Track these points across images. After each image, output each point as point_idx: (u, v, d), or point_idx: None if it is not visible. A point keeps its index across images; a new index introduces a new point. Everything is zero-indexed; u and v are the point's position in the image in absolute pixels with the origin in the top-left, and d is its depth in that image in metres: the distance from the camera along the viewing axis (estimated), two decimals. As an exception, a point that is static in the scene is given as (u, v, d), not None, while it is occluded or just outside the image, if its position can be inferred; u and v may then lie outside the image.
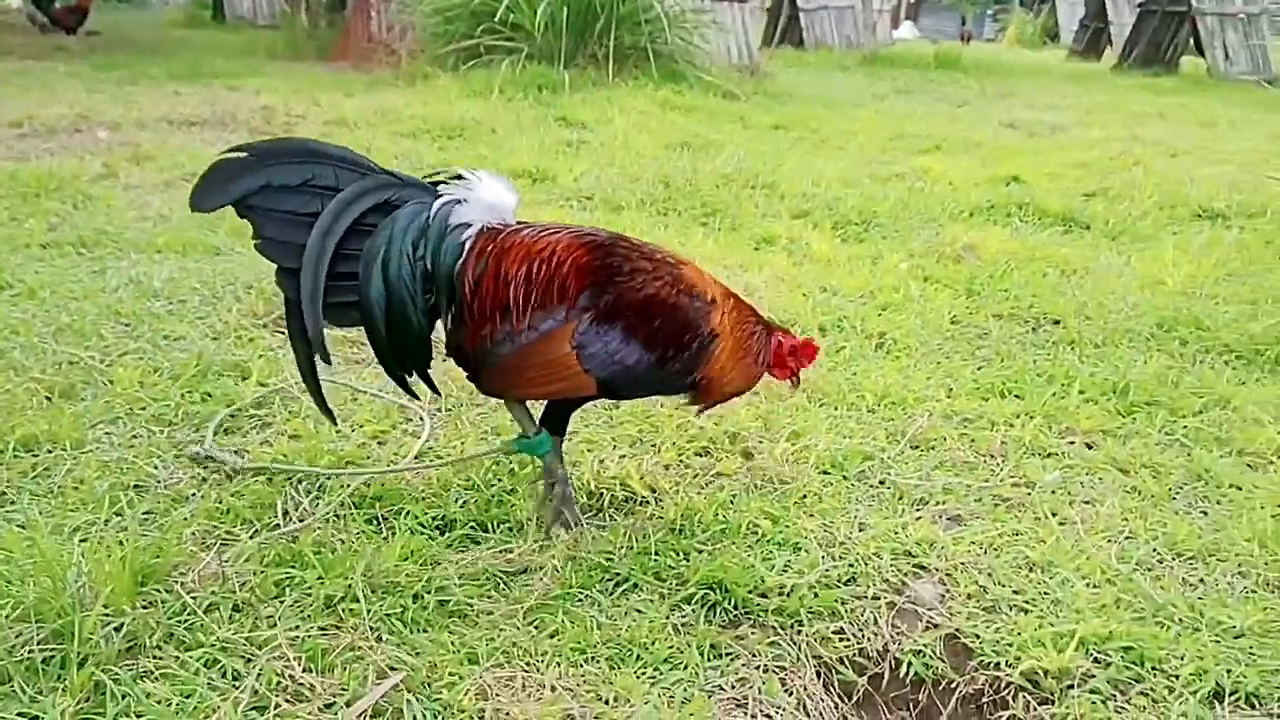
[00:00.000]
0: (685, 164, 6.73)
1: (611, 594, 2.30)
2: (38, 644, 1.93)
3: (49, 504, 2.49)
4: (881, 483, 2.83)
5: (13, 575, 2.10)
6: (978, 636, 2.23)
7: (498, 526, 2.54)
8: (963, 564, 2.45)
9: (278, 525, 2.47)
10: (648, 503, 2.68)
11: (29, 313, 3.76)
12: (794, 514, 2.62)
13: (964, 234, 5.24)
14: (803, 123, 9.22)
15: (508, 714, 1.91)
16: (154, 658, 1.95)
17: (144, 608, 2.07)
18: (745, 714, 1.99)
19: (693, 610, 2.25)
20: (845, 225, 5.67)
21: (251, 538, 2.38)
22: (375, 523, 2.52)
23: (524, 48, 9.90)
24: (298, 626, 2.09)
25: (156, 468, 2.69)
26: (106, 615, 1.99)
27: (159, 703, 1.83)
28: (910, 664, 2.19)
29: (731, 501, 2.68)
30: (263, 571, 2.25)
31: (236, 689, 1.89)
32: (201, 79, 10.96)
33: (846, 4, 19.56)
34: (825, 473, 2.86)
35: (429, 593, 2.24)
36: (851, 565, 2.42)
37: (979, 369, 3.64)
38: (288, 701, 1.88)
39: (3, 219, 5.39)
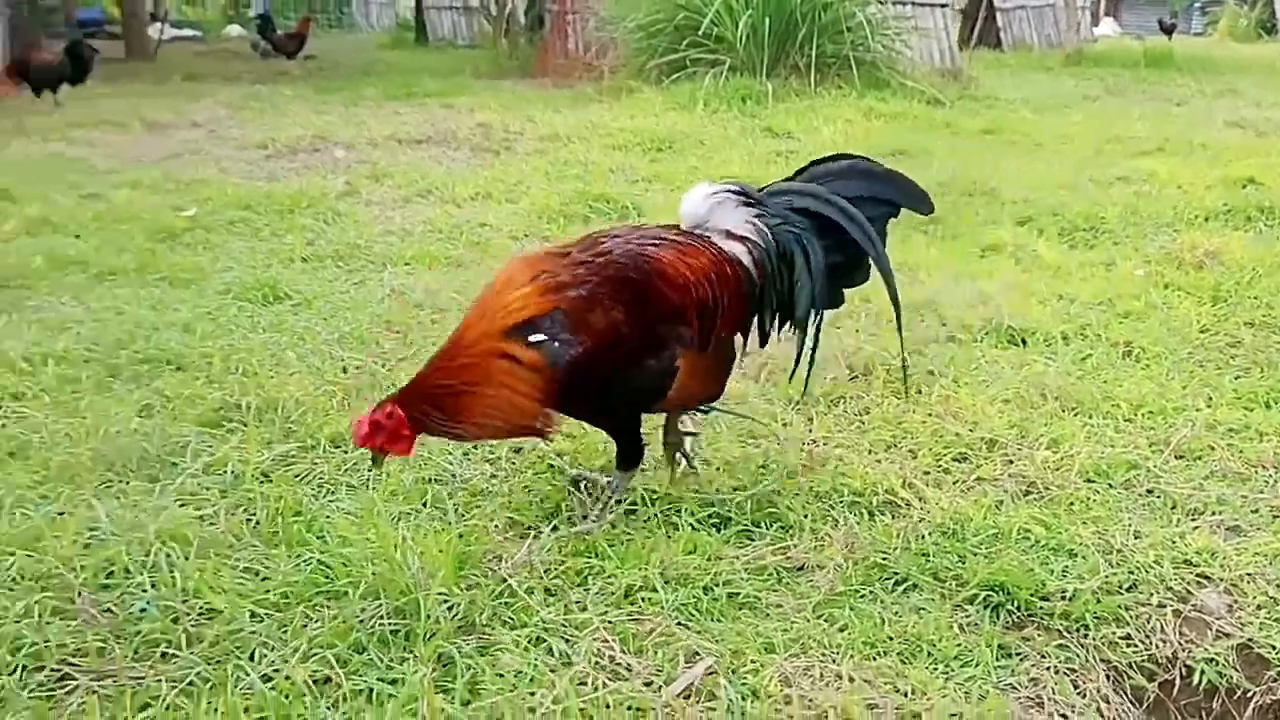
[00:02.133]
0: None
1: (892, 592, 2.39)
2: (386, 618, 2.14)
3: (365, 495, 2.73)
4: (1150, 492, 2.83)
5: (354, 557, 2.34)
6: (1273, 647, 2.22)
7: (770, 525, 2.66)
8: (1249, 575, 2.43)
9: (570, 519, 2.65)
10: (912, 506, 2.75)
11: (311, 321, 4.09)
12: (1065, 521, 2.65)
13: (1203, 239, 5.09)
14: (1013, 127, 9.07)
15: (811, 701, 2.02)
16: (485, 635, 2.15)
17: (469, 589, 2.27)
18: (1043, 713, 2.05)
19: (976, 611, 2.32)
20: (1072, 231, 5.59)
21: (552, 530, 2.56)
22: (656, 519, 2.66)
23: (726, 60, 10.05)
24: (605, 612, 2.25)
25: (451, 463, 2.91)
26: (442, 595, 2.20)
27: (500, 675, 2.02)
28: (1202, 672, 2.21)
29: (999, 506, 2.73)
30: (565, 561, 2.43)
31: (564, 665, 2.06)
32: (416, 98, 11.53)
33: (1046, 2, 19.06)
34: (1090, 480, 2.88)
35: (718, 585, 2.37)
36: (1131, 572, 2.44)
37: (1237, 378, 3.57)
38: (609, 679, 2.04)
39: (265, 234, 5.84)
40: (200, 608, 2.25)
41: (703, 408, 2.82)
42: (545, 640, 2.13)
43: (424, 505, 2.67)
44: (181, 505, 2.64)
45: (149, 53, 17.78)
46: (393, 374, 3.58)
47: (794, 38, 10.06)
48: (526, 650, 2.09)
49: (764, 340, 2.73)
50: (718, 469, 2.91)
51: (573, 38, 14.76)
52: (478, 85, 12.81)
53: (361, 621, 2.15)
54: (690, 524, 2.62)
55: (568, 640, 2.14)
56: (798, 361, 2.75)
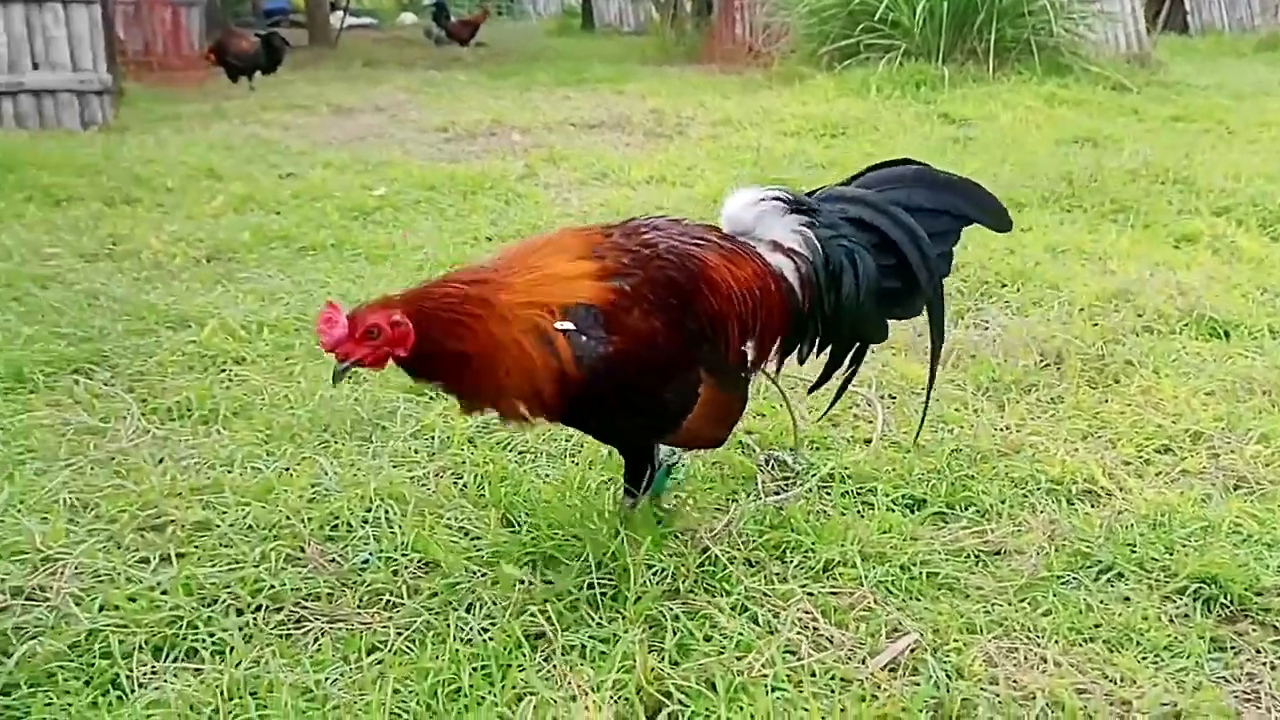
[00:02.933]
0: (1086, 159, 6.54)
1: (1096, 580, 2.35)
2: (600, 585, 2.22)
3: (565, 463, 2.83)
4: (1371, 490, 2.71)
5: (561, 521, 2.43)
6: None
7: (965, 508, 2.64)
8: None
9: (760, 494, 2.69)
10: (1113, 495, 2.70)
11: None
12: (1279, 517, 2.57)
13: None
14: (1206, 114, 8.69)
15: (1016, 681, 2.02)
16: (690, 600, 2.21)
17: (672, 556, 2.34)
18: (1259, 708, 2.00)
19: (1186, 603, 2.26)
20: (1275, 223, 5.34)
21: (753, 501, 2.61)
22: (849, 497, 2.68)
23: (901, 45, 9.90)
24: (806, 584, 2.29)
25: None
26: (648, 561, 2.27)
27: (705, 639, 2.08)
28: None
29: (1207, 499, 2.66)
30: (763, 533, 2.47)
31: (770, 633, 2.10)
32: (586, 84, 11.71)
33: (1238, -15, 18.14)
34: (1305, 478, 2.77)
35: (915, 564, 2.38)
36: (1356, 574, 2.35)
37: None
38: (814, 649, 2.07)
39: (450, 214, 6.05)
40: (419, 561, 2.37)
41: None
42: (750, 609, 2.18)
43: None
44: (395, 466, 2.79)
45: (331, 40, 18.50)
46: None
47: (972, 22, 9.83)
48: (732, 617, 2.14)
49: (801, 361, 2.45)
50: (908, 452, 2.90)
51: (740, 24, 14.74)
52: (645, 71, 12.93)
53: (576, 583, 2.23)
54: (885, 505, 2.64)
55: (773, 610, 2.18)
56: (814, 388, 2.53)
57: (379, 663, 2.03)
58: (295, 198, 6.18)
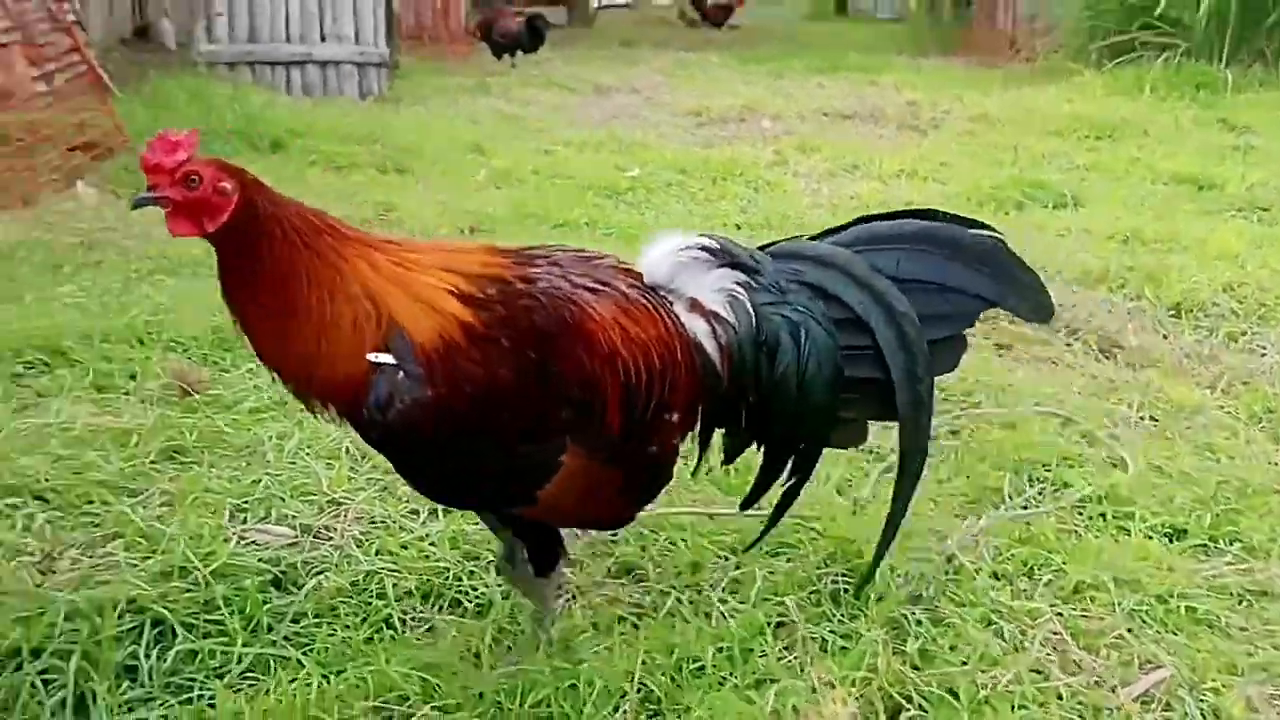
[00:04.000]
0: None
1: (1376, 634, 2.21)
2: (841, 580, 2.25)
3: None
4: None
5: (806, 517, 2.46)
6: None
7: (1230, 543, 2.52)
8: None
9: (1006, 507, 2.64)
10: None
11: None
12: None
13: None
14: None
15: (1280, 731, 1.92)
16: (933, 608, 2.20)
17: (915, 561, 2.33)
18: None
19: None
20: None
21: (1001, 513, 2.57)
22: (1105, 520, 2.60)
23: (1181, 44, 9.34)
24: (1055, 604, 2.24)
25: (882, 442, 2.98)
26: (890, 563, 2.27)
27: (949, 648, 2.07)
28: None
29: None
30: (1011, 548, 2.43)
31: (1017, 650, 2.08)
32: (839, 71, 11.58)
33: None
34: None
35: (1172, 596, 2.29)
36: None
37: None
38: (1062, 672, 2.04)
39: (700, 199, 6.14)
40: (667, 540, 2.45)
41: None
42: (996, 623, 2.16)
43: (864, 475, 2.75)
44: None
45: (588, 20, 18.97)
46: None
47: (1263, 21, 9.18)
48: (978, 629, 2.13)
49: (730, 455, 2.04)
50: (1172, 477, 2.78)
51: (1002, 15, 14.23)
52: (900, 61, 12.67)
53: (819, 581, 2.26)
54: (1143, 531, 2.54)
55: (1020, 627, 2.15)
56: (750, 499, 2.10)
57: (624, 633, 2.12)
58: (552, 175, 6.41)
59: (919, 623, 2.13)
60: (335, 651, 2.03)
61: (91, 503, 2.43)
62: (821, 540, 2.38)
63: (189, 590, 2.10)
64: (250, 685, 1.94)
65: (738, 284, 1.89)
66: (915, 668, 2.02)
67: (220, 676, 1.95)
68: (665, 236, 1.93)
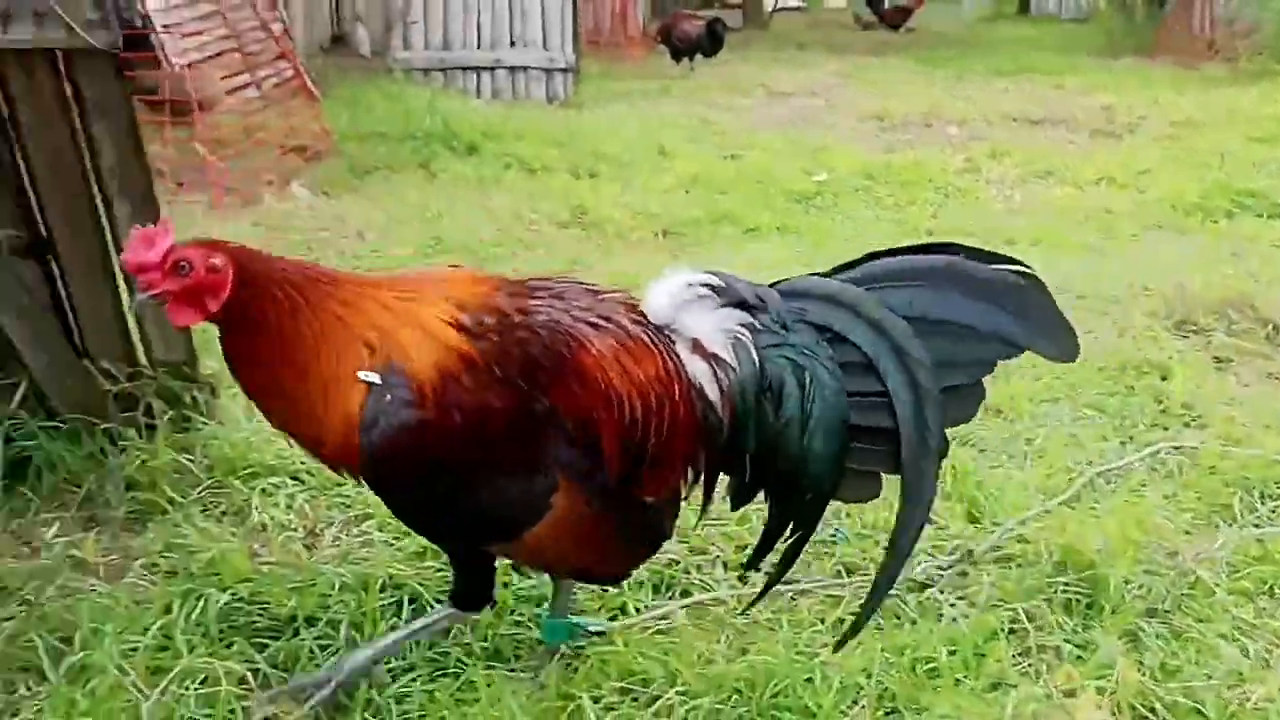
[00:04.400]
0: None
1: None
2: (1071, 590, 2.23)
3: (1031, 465, 2.83)
4: None
5: (1036, 528, 2.45)
6: None
7: None
8: None
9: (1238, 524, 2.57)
10: None
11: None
12: None
13: None
14: None
15: None
16: (1169, 620, 2.17)
17: (1148, 573, 2.30)
18: None
19: None
20: None
21: (1235, 530, 2.51)
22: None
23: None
24: (1296, 625, 2.18)
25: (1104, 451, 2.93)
26: (1125, 578, 2.24)
27: (1192, 662, 2.04)
28: None
29: None
30: (1249, 565, 2.37)
31: (1265, 668, 2.03)
32: (1024, 74, 11.29)
33: None
34: None
35: None
36: None
37: None
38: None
39: (887, 204, 6.13)
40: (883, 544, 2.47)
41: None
42: (1239, 639, 2.11)
43: (1087, 487, 2.72)
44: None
45: (763, 22, 18.96)
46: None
47: None
48: (1219, 644, 2.08)
49: (736, 502, 1.91)
50: None
51: (1199, 15, 13.64)
52: (1089, 63, 12.27)
53: (1051, 588, 2.25)
54: (1387, 552, 2.44)
55: (1268, 645, 2.10)
56: (759, 553, 1.94)
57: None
58: (739, 178, 6.46)
59: (1157, 636, 2.10)
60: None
61: (343, 484, 2.58)
62: (1049, 549, 2.36)
63: (440, 570, 2.22)
64: (499, 666, 2.04)
65: (741, 325, 1.79)
66: (1156, 680, 1.99)
67: (469, 655, 2.06)
68: (672, 273, 1.84)
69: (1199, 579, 2.28)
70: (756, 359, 1.77)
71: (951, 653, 2.06)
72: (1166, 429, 3.12)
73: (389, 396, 1.63)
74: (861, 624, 1.87)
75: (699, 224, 5.54)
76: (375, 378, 1.64)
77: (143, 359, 2.86)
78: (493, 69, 9.27)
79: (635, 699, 1.94)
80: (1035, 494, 2.65)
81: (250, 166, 6.12)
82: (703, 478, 1.87)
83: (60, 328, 2.77)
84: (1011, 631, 2.15)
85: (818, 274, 1.85)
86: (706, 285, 1.80)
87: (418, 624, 1.97)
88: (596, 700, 1.93)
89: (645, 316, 1.82)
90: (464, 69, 9.22)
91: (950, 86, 10.60)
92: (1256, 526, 2.58)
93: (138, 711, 1.87)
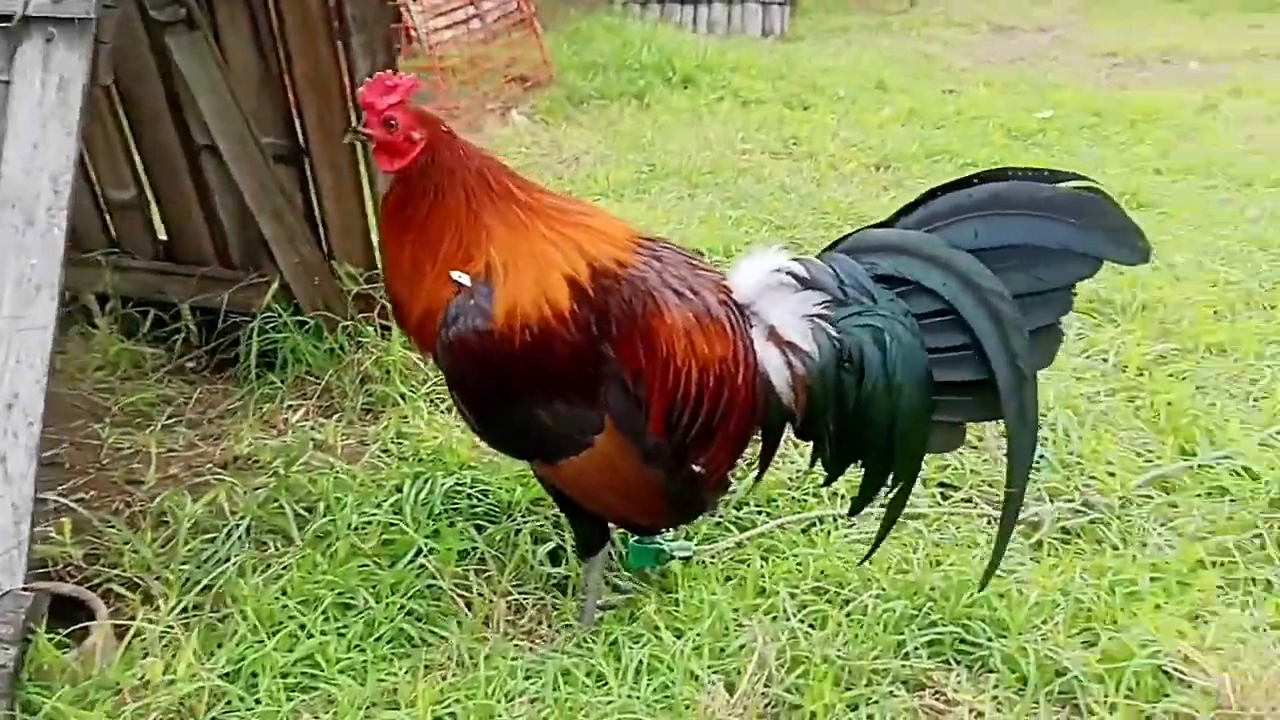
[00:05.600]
0: None
1: None
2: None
3: (1252, 404, 2.73)
4: None
5: (1254, 462, 2.38)
6: None
7: None
8: None
9: None
10: None
11: (1179, 231, 4.08)
12: None
13: None
14: None
15: None
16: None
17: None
18: None
19: None
20: None
21: None
22: None
23: None
24: None
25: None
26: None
27: None
28: None
29: None
30: None
31: None
32: (1277, 9, 10.50)
33: None
34: None
35: None
36: None
37: None
38: None
39: (1115, 142, 5.84)
40: (1089, 475, 2.44)
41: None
42: None
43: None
44: (1075, 380, 2.85)
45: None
46: (1270, 294, 3.46)
47: None
48: None
49: (829, 478, 1.92)
50: None
51: None
52: (1354, -2, 11.28)
53: (1263, 521, 2.19)
54: None
55: None
56: (858, 504, 1.92)
57: (1054, 554, 2.16)
58: (958, 114, 6.29)
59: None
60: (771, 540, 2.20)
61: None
62: (1266, 484, 2.29)
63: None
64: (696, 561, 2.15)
65: (820, 305, 1.79)
66: (1372, 621, 1.92)
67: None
68: (759, 252, 1.87)
69: None
70: (836, 340, 1.77)
71: (1154, 578, 2.04)
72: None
73: (472, 301, 1.72)
74: (997, 559, 1.83)
75: (914, 158, 5.44)
76: (466, 280, 1.73)
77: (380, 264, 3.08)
78: (710, 2, 9.26)
79: (830, 599, 2.01)
80: (1257, 432, 2.56)
81: (474, 94, 6.36)
82: (761, 455, 1.92)
83: (310, 232, 3.01)
84: (1219, 564, 2.11)
85: (882, 224, 1.83)
86: (786, 272, 1.80)
87: (590, 587, 2.03)
88: (793, 596, 2.01)
89: (732, 296, 1.83)
90: (682, 2, 9.25)
91: (1196, 22, 9.95)
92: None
93: (373, 577, 2.06)
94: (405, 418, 2.67)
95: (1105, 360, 2.99)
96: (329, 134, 2.93)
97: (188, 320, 3.09)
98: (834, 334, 1.78)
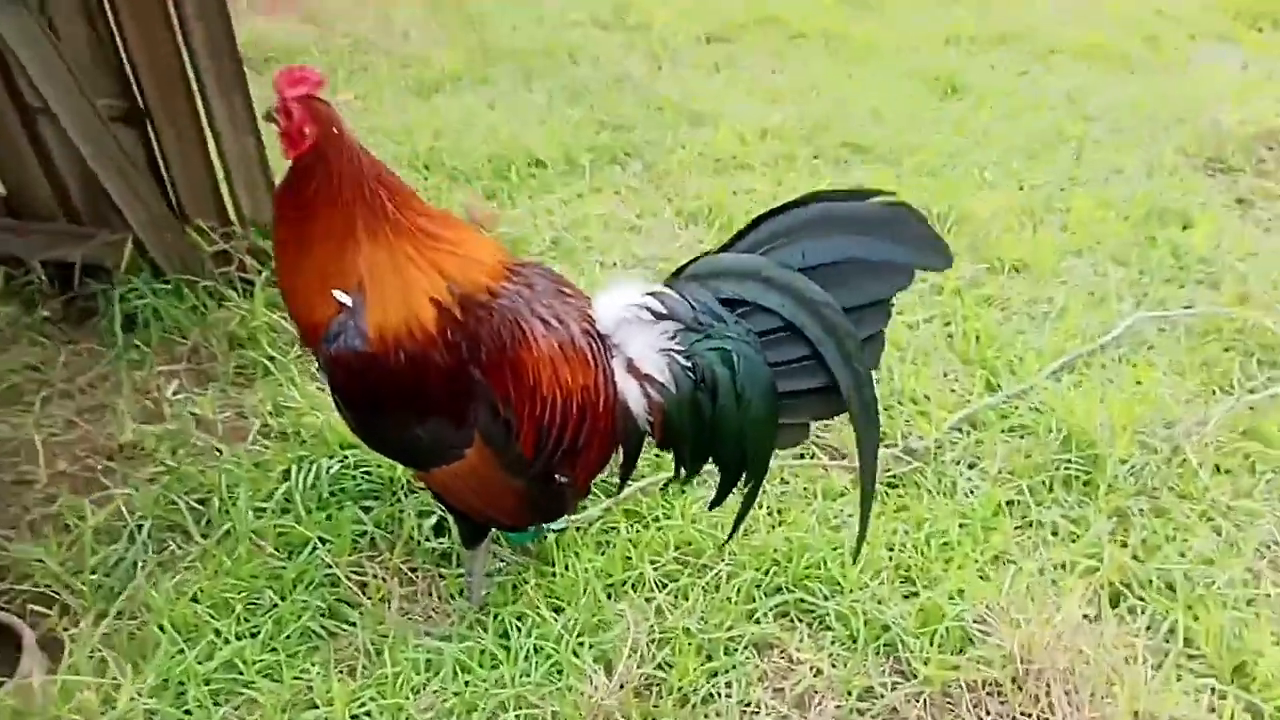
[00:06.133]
0: None
1: None
2: (1073, 466, 2.54)
3: (1054, 336, 3.08)
4: None
5: (1046, 399, 2.73)
6: None
7: None
8: None
9: (1236, 395, 2.84)
10: None
11: (990, 124, 4.38)
12: None
13: None
14: None
15: None
16: (1155, 499, 2.48)
17: (1144, 450, 2.59)
18: None
19: None
20: None
21: (1231, 400, 2.78)
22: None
23: None
24: (1273, 505, 2.48)
25: (1121, 313, 3.17)
26: (1121, 458, 2.54)
27: (1168, 539, 2.36)
28: None
29: None
30: (1235, 440, 2.65)
31: (1233, 552, 2.35)
32: None
33: None
34: None
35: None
36: None
37: None
38: (1276, 576, 2.31)
39: (935, 5, 6.06)
40: (912, 412, 2.76)
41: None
42: (1215, 519, 2.42)
43: (1102, 367, 2.97)
44: (897, 312, 3.14)
45: None
46: (1066, 197, 3.81)
47: None
48: (1196, 526, 2.40)
49: (686, 479, 2.10)
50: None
51: None
52: None
53: (1054, 466, 2.55)
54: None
55: (1237, 525, 2.41)
56: (718, 498, 2.10)
57: (881, 505, 2.48)
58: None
59: (1143, 514, 2.42)
60: (635, 505, 2.46)
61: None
62: (1057, 425, 2.65)
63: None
64: (571, 529, 2.39)
65: (673, 336, 1.95)
66: (1137, 558, 2.31)
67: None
68: (619, 286, 2.00)
69: (1187, 457, 2.57)
70: (689, 368, 1.94)
71: (962, 525, 2.39)
72: (1182, 286, 3.34)
73: (351, 321, 1.83)
74: (862, 537, 2.04)
75: (743, 28, 5.56)
76: (347, 300, 1.83)
77: (234, 219, 3.12)
78: None
79: (690, 569, 2.29)
80: (1050, 361, 2.91)
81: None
82: (622, 467, 2.10)
83: (158, 189, 3.02)
84: (1014, 504, 2.47)
85: (720, 249, 1.98)
86: (645, 307, 1.96)
87: (475, 572, 2.24)
88: (656, 567, 2.28)
89: (595, 326, 1.98)
90: None
91: None
92: (1251, 393, 2.84)
93: (276, 574, 2.24)
94: (279, 386, 2.78)
95: (925, 282, 3.30)
96: (166, 94, 2.92)
97: (38, 273, 3.08)
98: (686, 364, 1.94)
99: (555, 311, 1.97)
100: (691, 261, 2.01)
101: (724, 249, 1.99)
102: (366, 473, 2.49)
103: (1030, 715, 1.99)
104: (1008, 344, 2.99)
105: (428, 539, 2.37)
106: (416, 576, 2.31)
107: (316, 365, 1.95)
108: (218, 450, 2.59)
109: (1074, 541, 2.36)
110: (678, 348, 1.96)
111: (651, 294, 1.98)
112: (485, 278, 1.94)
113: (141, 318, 2.98)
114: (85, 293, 3.07)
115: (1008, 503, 2.47)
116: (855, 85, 4.83)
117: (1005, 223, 3.60)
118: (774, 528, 2.40)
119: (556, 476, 2.03)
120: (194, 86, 2.95)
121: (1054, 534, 2.40)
